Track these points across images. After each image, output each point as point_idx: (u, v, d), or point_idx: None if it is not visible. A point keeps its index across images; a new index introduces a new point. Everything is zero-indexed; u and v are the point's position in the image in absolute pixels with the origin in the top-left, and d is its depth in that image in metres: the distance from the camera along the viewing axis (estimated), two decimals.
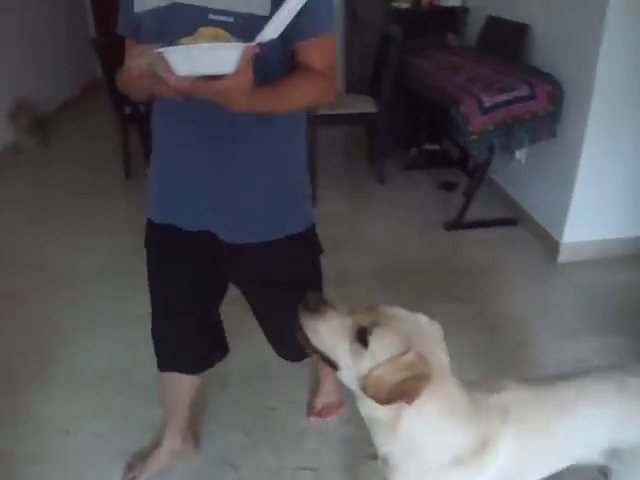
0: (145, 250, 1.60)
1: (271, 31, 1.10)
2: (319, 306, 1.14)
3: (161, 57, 1.00)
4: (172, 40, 1.13)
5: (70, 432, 1.99)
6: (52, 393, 2.15)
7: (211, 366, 1.76)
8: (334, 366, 1.14)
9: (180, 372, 1.73)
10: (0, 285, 2.84)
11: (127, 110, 3.88)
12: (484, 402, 1.21)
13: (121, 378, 2.20)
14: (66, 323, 2.50)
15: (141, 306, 1.75)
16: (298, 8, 1.11)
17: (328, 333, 1.12)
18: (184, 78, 1.02)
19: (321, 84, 1.36)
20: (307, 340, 1.15)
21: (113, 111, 3.96)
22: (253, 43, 1.05)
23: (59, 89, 5.23)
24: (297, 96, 1.32)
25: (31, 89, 4.64)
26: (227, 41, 1.05)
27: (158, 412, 1.92)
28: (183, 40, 1.06)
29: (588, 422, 1.24)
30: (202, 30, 1.07)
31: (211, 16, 1.24)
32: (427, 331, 1.13)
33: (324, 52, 1.39)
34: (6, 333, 2.48)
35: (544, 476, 1.29)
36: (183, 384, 1.79)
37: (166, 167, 1.48)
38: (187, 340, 1.67)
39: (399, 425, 1.12)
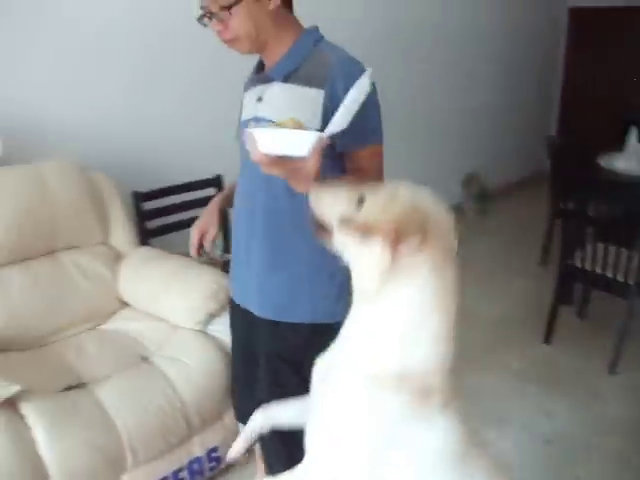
0: None
1: (339, 123, 1.17)
2: (330, 183, 1.17)
3: (251, 135, 1.14)
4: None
5: None
6: None
7: None
8: (329, 233, 1.11)
9: None
10: None
11: (560, 205, 4.22)
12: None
13: None
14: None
15: None
16: (361, 99, 1.18)
17: (333, 200, 1.13)
18: (266, 155, 1.13)
19: None
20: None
21: (549, 203, 4.42)
22: (326, 134, 1.15)
23: (508, 170, 5.89)
24: None
25: (484, 164, 5.42)
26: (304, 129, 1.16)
27: None
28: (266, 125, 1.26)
29: None
30: (284, 120, 1.20)
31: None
32: (435, 200, 1.05)
33: (376, 161, 1.49)
34: None
35: None
36: None
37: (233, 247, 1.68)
38: (242, 398, 1.80)
39: (382, 296, 1.00)
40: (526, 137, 6.13)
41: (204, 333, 2.29)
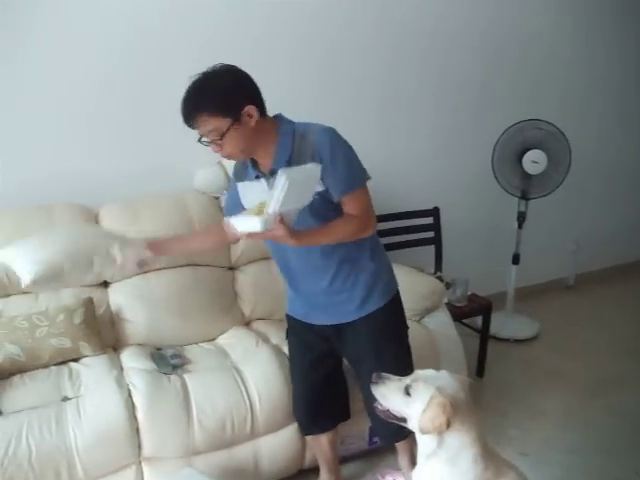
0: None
1: (272, 208, 1.60)
2: (380, 379, 1.70)
3: (228, 222, 1.73)
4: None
5: None
6: None
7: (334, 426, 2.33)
8: (403, 420, 1.68)
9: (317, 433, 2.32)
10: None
11: None
12: (494, 454, 1.70)
13: None
14: None
15: None
16: (285, 189, 1.56)
17: (389, 393, 1.68)
18: (242, 232, 1.71)
19: (356, 224, 1.88)
20: (381, 408, 1.72)
21: None
22: (265, 216, 1.61)
23: None
24: (335, 233, 1.85)
25: None
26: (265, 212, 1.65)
27: None
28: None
29: None
30: (252, 207, 1.75)
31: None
32: (452, 385, 1.64)
33: (357, 202, 1.88)
34: None
35: None
36: (323, 442, 2.35)
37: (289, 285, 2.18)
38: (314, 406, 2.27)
39: (442, 445, 1.62)
40: None
41: (419, 323, 2.86)
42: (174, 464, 2.19)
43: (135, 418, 2.15)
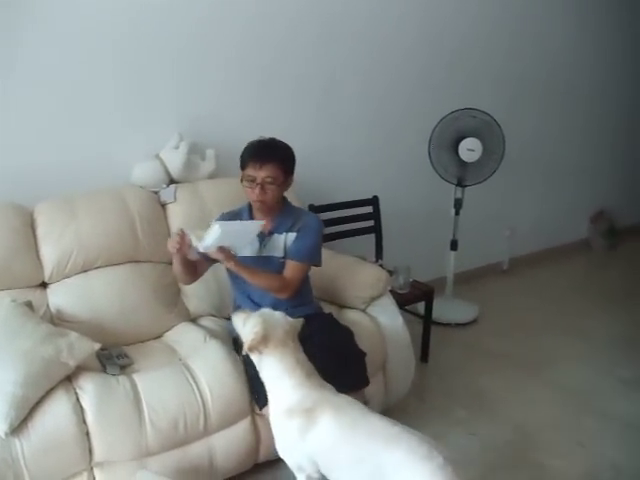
0: None
1: (205, 242, 2.19)
2: (236, 311, 2.20)
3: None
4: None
5: None
6: None
7: None
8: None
9: None
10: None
11: None
12: (319, 387, 1.94)
13: None
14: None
15: None
16: (216, 235, 2.13)
17: (237, 321, 2.10)
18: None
19: (276, 284, 2.40)
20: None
21: None
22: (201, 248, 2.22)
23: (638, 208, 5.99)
24: (256, 279, 2.36)
25: (615, 201, 5.63)
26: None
27: None
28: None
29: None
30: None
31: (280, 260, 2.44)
32: (277, 319, 2.02)
33: (294, 271, 2.43)
34: None
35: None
36: None
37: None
38: None
39: (261, 368, 2.00)
40: None
41: (365, 312, 2.88)
42: (127, 467, 2.14)
43: (84, 422, 2.08)
